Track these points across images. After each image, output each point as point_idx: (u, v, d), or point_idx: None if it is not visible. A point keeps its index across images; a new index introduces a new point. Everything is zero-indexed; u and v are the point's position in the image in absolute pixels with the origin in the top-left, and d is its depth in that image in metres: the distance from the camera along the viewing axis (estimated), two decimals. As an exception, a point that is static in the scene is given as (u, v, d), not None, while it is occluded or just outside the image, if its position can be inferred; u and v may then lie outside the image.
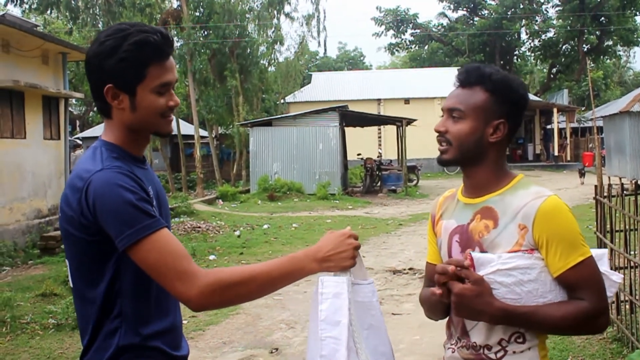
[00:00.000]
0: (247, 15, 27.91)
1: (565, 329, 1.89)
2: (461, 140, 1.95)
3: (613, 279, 1.94)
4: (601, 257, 1.95)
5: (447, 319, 2.11)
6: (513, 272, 1.81)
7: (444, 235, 2.06)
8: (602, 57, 46.07)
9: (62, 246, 9.46)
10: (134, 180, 1.79)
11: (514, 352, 1.87)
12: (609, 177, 7.23)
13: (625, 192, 5.51)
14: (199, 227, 14.44)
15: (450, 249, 2.02)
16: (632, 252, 5.50)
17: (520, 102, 1.97)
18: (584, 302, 1.82)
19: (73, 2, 26.28)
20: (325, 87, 39.58)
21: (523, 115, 2.02)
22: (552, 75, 47.07)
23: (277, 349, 6.06)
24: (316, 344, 1.84)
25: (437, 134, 2.00)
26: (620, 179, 6.39)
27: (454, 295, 1.79)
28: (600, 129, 30.15)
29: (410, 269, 9.58)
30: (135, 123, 1.88)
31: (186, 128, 30.69)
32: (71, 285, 1.93)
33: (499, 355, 1.88)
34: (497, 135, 1.95)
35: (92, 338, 1.86)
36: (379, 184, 24.01)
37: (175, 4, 28.20)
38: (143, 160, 1.98)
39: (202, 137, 28.35)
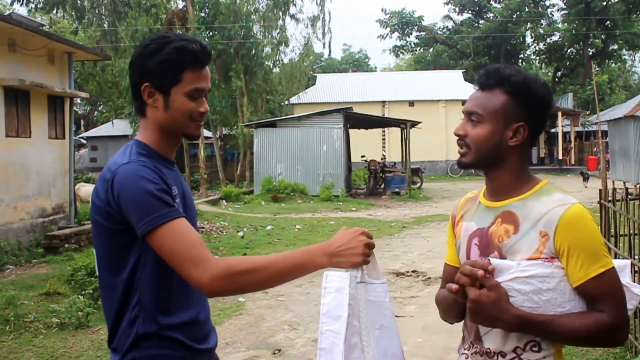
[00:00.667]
0: (253, 17, 27.96)
1: (582, 340, 1.84)
2: (479, 144, 1.91)
3: (634, 292, 1.89)
4: (623, 268, 1.90)
5: (462, 323, 2.08)
6: (532, 280, 1.78)
7: (463, 237, 2.03)
8: (607, 61, 46.04)
9: (66, 245, 9.45)
10: (157, 173, 1.91)
11: None
12: (614, 182, 7.22)
13: (629, 196, 5.51)
14: (203, 228, 14.45)
15: (469, 251, 1.99)
16: (636, 257, 5.49)
17: (541, 104, 1.91)
18: (603, 315, 1.77)
19: (79, 1, 26.35)
20: (330, 89, 39.58)
21: (546, 117, 1.96)
22: (556, 79, 47.00)
23: (279, 350, 6.06)
24: (319, 337, 1.86)
25: (457, 137, 1.97)
26: (624, 183, 6.39)
27: (470, 301, 1.75)
28: (604, 133, 30.11)
29: (413, 271, 9.58)
30: (166, 122, 2.02)
31: (190, 128, 30.68)
32: (97, 274, 2.04)
33: None
34: (517, 139, 1.90)
35: (115, 326, 1.97)
36: (382, 186, 23.99)
37: (180, 5, 28.26)
38: (172, 162, 2.12)
39: (206, 138, 28.40)
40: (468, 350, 1.99)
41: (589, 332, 1.77)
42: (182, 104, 2.00)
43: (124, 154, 1.98)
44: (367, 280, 1.95)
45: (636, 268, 5.25)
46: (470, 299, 1.75)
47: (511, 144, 1.91)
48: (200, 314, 2.05)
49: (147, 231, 1.82)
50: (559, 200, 1.83)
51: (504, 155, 1.92)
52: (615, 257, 5.56)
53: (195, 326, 2.02)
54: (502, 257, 1.87)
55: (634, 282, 5.24)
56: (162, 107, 2.01)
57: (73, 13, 26.70)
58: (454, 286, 1.81)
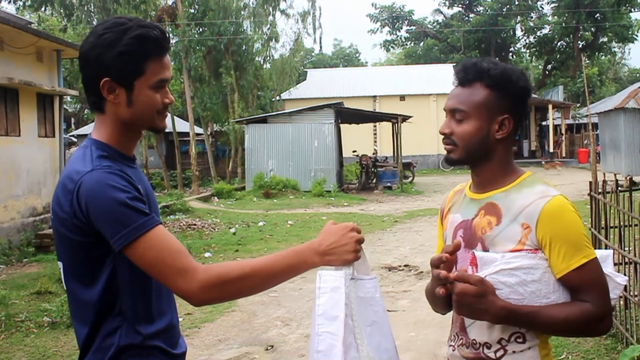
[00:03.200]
0: (242, 12, 27.91)
1: (567, 330, 1.86)
2: (466, 140, 1.91)
3: (617, 281, 1.90)
4: (606, 258, 1.91)
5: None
6: (516, 272, 1.78)
7: (449, 229, 2.05)
8: (597, 53, 46.14)
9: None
10: (125, 179, 1.76)
11: (514, 352, 1.85)
12: (604, 174, 7.25)
13: (619, 188, 5.52)
14: (195, 225, 14.43)
15: None
16: (626, 249, 5.51)
17: (522, 95, 1.92)
18: (588, 305, 1.79)
19: (67, -1, 26.21)
20: (321, 84, 39.56)
21: (527, 106, 1.98)
22: (547, 72, 47.12)
23: (272, 346, 6.06)
24: (313, 339, 1.81)
25: (442, 136, 1.97)
26: (615, 175, 6.41)
27: (455, 295, 1.75)
28: (595, 126, 30.21)
29: (405, 265, 9.59)
30: (130, 118, 1.86)
31: (181, 125, 30.67)
32: (64, 286, 1.90)
33: (498, 354, 1.86)
34: (503, 131, 1.91)
35: (89, 339, 1.83)
36: (374, 180, 24.02)
37: (170, 1, 28.15)
38: (133, 159, 1.96)
39: (198, 135, 28.32)
40: (454, 342, 2.01)
41: (575, 323, 1.79)
42: (148, 98, 1.84)
43: (84, 159, 1.80)
44: (357, 277, 1.92)
45: (626, 260, 5.27)
46: (455, 292, 1.75)
47: (498, 137, 1.91)
48: (174, 317, 1.97)
49: (125, 245, 1.69)
50: (540, 192, 1.85)
51: (490, 149, 1.93)
52: (606, 249, 5.58)
53: (171, 331, 1.94)
54: (484, 248, 1.88)
55: (626, 273, 5.26)
56: (125, 102, 1.83)
57: (62, 10, 26.57)
58: (441, 290, 1.80)
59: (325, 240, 1.85)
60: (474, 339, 1.91)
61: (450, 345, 2.03)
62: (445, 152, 2.01)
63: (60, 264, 1.90)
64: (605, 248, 5.57)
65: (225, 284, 1.74)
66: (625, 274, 5.29)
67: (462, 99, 1.92)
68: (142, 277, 1.80)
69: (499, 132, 1.91)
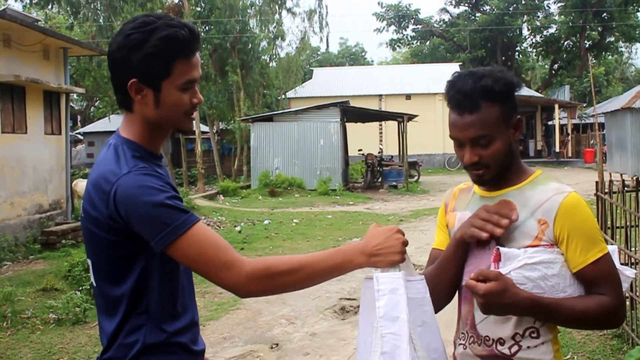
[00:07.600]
0: (249, 11, 27.92)
1: (585, 322, 1.90)
2: (499, 159, 1.92)
3: (626, 274, 1.96)
4: (612, 253, 1.96)
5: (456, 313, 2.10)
6: (538, 266, 1.83)
7: (457, 226, 2.05)
8: (603, 53, 45.99)
9: (63, 241, 9.35)
10: (161, 179, 1.77)
11: (528, 347, 1.88)
12: (610, 174, 7.22)
13: (626, 188, 5.51)
14: (200, 223, 14.43)
15: None
16: (632, 249, 5.50)
17: (514, 89, 1.92)
18: (605, 297, 1.84)
19: (74, -3, 26.23)
20: (327, 83, 39.50)
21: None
22: (553, 72, 47.01)
23: (277, 344, 6.06)
24: (375, 342, 1.82)
25: (469, 165, 1.94)
26: (621, 175, 6.39)
27: (481, 296, 1.75)
28: (601, 126, 30.13)
29: (410, 264, 9.58)
30: (157, 118, 1.86)
31: (187, 123, 30.67)
32: (93, 283, 1.91)
33: (513, 350, 1.89)
34: (519, 132, 1.95)
35: (114, 335, 1.84)
36: (379, 179, 23.99)
37: (176, -1, 28.18)
38: (160, 157, 1.96)
39: (203, 133, 28.36)
40: (464, 340, 2.01)
41: (594, 314, 1.83)
42: (175, 99, 1.83)
43: (118, 159, 1.79)
44: (407, 278, 1.91)
45: (633, 260, 5.26)
46: (480, 294, 1.75)
47: (516, 139, 1.96)
48: (195, 315, 1.98)
49: (167, 244, 1.71)
50: (556, 189, 1.89)
51: (511, 152, 1.95)
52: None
53: (193, 328, 1.95)
54: (499, 245, 1.89)
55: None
56: (153, 103, 1.82)
57: (68, 8, 26.56)
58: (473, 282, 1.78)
59: (371, 241, 1.86)
60: (487, 336, 1.93)
61: (460, 344, 2.03)
62: (475, 175, 1.97)
63: (89, 261, 1.91)
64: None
65: (272, 277, 1.76)
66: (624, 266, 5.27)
67: (482, 126, 1.88)
68: (171, 275, 1.83)
69: (515, 134, 1.95)
